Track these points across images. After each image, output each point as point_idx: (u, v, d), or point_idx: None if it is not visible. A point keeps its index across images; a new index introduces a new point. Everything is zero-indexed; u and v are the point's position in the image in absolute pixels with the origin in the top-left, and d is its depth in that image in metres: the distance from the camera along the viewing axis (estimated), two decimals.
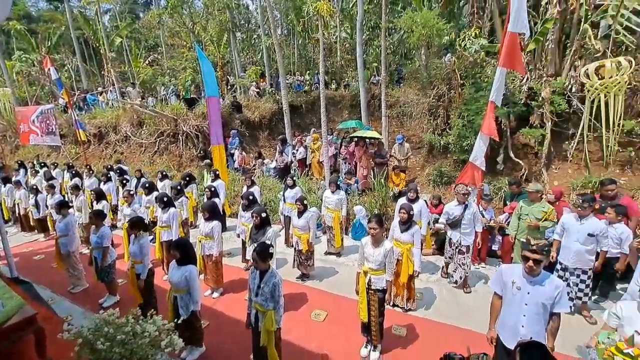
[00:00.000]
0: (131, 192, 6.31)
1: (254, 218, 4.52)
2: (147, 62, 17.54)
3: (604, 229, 3.99)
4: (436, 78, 9.12)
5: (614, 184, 4.63)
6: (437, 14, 9.18)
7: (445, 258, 5.39)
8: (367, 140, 9.02)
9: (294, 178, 6.66)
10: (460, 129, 7.78)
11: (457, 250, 5.07)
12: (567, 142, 7.23)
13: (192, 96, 14.46)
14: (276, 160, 10.75)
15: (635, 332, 2.47)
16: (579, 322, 4.23)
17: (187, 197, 6.97)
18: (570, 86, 7.19)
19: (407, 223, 4.50)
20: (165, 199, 5.55)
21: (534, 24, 8.03)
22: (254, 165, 11.19)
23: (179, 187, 6.76)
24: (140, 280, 4.21)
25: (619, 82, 2.76)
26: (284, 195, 6.87)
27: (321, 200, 6.91)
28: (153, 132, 12.52)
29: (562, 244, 4.32)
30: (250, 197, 5.57)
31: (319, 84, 14.38)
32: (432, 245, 6.39)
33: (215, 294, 5.13)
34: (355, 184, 8.56)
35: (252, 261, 3.18)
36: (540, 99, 7.23)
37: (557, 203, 5.33)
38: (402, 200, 5.43)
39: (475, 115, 7.39)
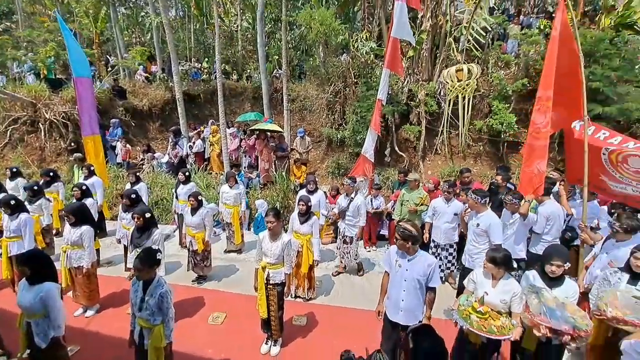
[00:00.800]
0: None
1: (136, 219, 3.95)
2: None
3: (462, 210, 4.79)
4: (333, 75, 9.56)
5: (469, 172, 5.63)
6: (334, 14, 9.60)
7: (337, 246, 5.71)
8: (268, 133, 8.91)
9: (186, 173, 6.08)
10: (354, 124, 8.36)
11: (342, 239, 5.40)
12: (437, 138, 8.49)
13: (57, 77, 11.92)
14: (169, 154, 9.73)
15: (484, 293, 3.01)
16: (447, 288, 5.01)
17: (49, 199, 5.72)
18: (439, 90, 8.43)
19: (306, 214, 4.60)
20: (12, 202, 4.41)
21: (413, 33, 9.12)
22: (141, 160, 9.89)
23: (35, 188, 5.50)
24: None
25: (470, 85, 3.41)
26: (176, 192, 6.26)
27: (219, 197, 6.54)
28: (2, 119, 9.87)
29: (434, 224, 5.03)
30: (133, 196, 4.87)
31: (218, 75, 13.57)
32: (331, 233, 6.72)
33: (89, 312, 4.35)
34: (257, 178, 8.38)
35: (134, 270, 2.74)
36: (417, 100, 8.30)
37: (435, 191, 6.19)
38: (302, 193, 5.54)
39: (366, 112, 8.03)
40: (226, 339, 3.93)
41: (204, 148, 10.08)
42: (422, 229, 5.35)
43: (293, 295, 4.78)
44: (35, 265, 2.86)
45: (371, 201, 6.18)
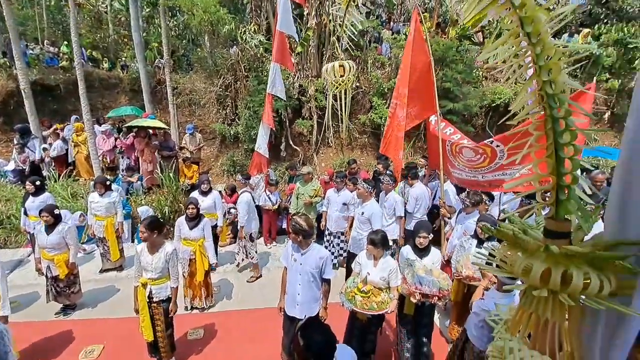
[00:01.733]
0: None
1: None
2: None
3: (352, 198, 5.19)
4: (222, 67, 9.07)
5: (355, 163, 6.12)
6: (219, 2, 9.06)
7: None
8: (150, 130, 7.91)
9: (37, 182, 4.90)
10: (247, 119, 8.12)
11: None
12: (328, 132, 8.95)
13: None
14: (15, 160, 7.75)
15: (367, 273, 3.31)
16: (341, 273, 5.31)
17: None
18: (326, 86, 8.88)
19: (197, 218, 4.27)
20: None
21: (301, 30, 9.32)
22: None
23: None
24: None
25: (350, 80, 3.72)
26: (24, 207, 5.01)
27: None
28: None
29: (328, 213, 5.30)
30: None
31: (83, 59, 11.37)
32: (229, 234, 6.44)
33: None
34: (139, 182, 7.39)
35: None
36: (308, 95, 8.56)
37: (330, 182, 6.50)
38: (194, 195, 5.11)
39: (259, 106, 7.87)
40: None
41: (66, 150, 8.37)
42: (320, 219, 5.62)
43: (189, 308, 4.41)
44: None
45: (269, 197, 6.13)
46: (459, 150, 4.65)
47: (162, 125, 8.04)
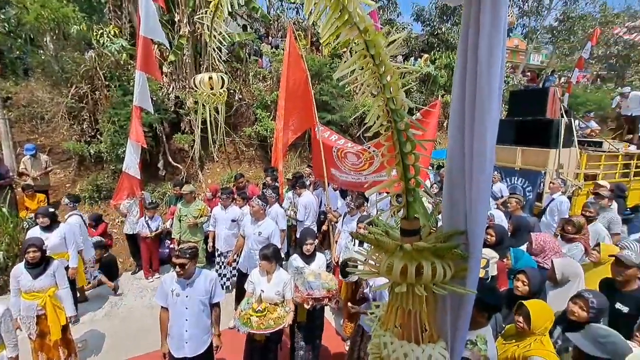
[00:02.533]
0: None
1: None
2: None
3: (240, 214, 5.00)
4: (74, 75, 7.60)
5: (242, 177, 5.98)
6: None
7: None
8: None
9: None
10: (112, 135, 6.98)
11: None
12: (212, 146, 8.48)
13: None
14: None
15: (261, 291, 3.21)
16: (231, 296, 4.94)
17: None
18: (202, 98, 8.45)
19: (41, 263, 3.39)
20: None
21: (173, 37, 8.61)
22: None
23: None
24: None
25: (221, 94, 3.59)
26: None
27: None
28: None
29: (216, 232, 4.97)
30: None
31: None
32: (95, 275, 5.36)
33: None
34: None
35: None
36: (186, 107, 7.96)
37: (214, 199, 6.11)
38: (34, 232, 4.05)
39: (126, 120, 6.88)
40: None
41: None
42: (207, 240, 5.23)
43: None
44: None
45: (147, 224, 5.38)
46: (344, 155, 5.03)
47: None
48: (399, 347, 1.25)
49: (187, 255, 2.71)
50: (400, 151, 1.35)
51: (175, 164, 7.81)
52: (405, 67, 1.26)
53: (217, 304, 3.04)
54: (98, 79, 7.58)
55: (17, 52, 11.24)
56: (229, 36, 8.30)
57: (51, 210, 4.33)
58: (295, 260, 3.52)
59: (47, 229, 4.10)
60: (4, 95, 7.73)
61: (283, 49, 10.11)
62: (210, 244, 5.05)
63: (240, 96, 8.73)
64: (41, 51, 9.85)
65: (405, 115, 1.37)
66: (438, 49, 14.07)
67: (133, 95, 5.56)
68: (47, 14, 7.37)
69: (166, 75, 8.01)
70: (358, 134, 9.61)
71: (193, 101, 7.98)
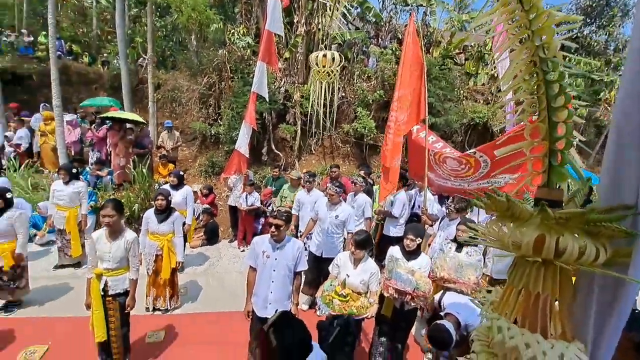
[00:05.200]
0: None
1: None
2: None
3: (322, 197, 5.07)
4: (207, 67, 8.91)
5: (337, 168, 6.05)
6: (208, 4, 9.03)
7: None
8: (125, 124, 7.57)
9: None
10: (230, 119, 7.94)
11: None
12: (311, 138, 8.89)
13: None
14: None
15: (346, 275, 3.16)
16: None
17: None
18: (312, 93, 8.88)
19: (166, 211, 4.01)
20: None
21: (289, 37, 9.36)
22: None
23: None
24: None
25: (334, 72, 3.70)
26: None
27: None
28: None
29: (300, 215, 5.13)
30: None
31: (62, 51, 11.00)
32: (201, 236, 6.14)
33: None
34: (109, 176, 6.99)
35: None
36: (293, 101, 8.52)
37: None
38: (165, 187, 4.84)
39: (243, 107, 7.73)
40: None
41: (30, 141, 7.88)
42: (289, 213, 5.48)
43: (150, 309, 4.07)
44: None
45: (246, 198, 5.92)
46: (442, 159, 4.64)
47: (139, 119, 7.72)
48: (518, 335, 1.02)
49: (283, 218, 2.83)
50: (547, 106, 1.12)
51: (276, 152, 8.43)
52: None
53: (300, 274, 3.11)
54: (225, 71, 8.72)
55: (169, 52, 13.84)
56: (340, 34, 8.59)
57: (181, 173, 5.12)
58: (395, 252, 3.35)
59: (175, 187, 4.85)
60: (156, 82, 9.51)
61: (391, 49, 10.03)
62: (292, 227, 5.23)
63: (343, 93, 8.92)
64: (185, 51, 11.92)
65: (560, 62, 1.14)
66: (575, 54, 11.99)
67: (251, 86, 6.24)
68: (196, 15, 8.83)
69: (280, 70, 8.70)
70: (462, 142, 8.85)
71: (300, 95, 8.50)
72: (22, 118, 8.03)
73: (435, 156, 4.67)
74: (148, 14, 9.32)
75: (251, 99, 6.10)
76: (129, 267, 2.97)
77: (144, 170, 6.92)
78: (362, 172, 6.16)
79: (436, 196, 5.61)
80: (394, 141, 4.63)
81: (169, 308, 4.12)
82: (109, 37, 15.20)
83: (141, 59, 13.05)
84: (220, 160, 8.23)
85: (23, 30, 12.89)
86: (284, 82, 8.87)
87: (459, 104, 9.36)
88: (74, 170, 4.85)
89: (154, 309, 4.09)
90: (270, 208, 6.23)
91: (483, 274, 3.81)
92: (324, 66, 3.49)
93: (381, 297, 3.14)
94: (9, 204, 3.68)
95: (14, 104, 8.56)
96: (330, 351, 2.80)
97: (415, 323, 4.02)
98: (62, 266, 4.84)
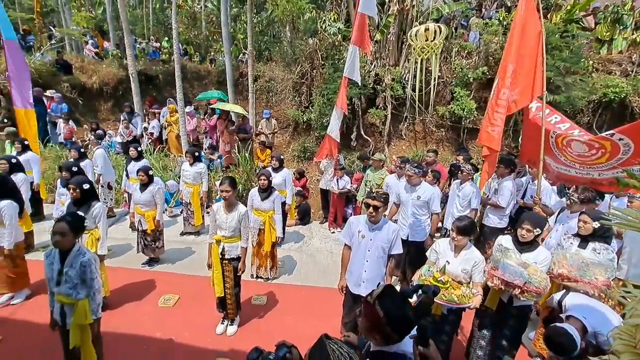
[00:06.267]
0: None
1: (72, 191, 3.48)
2: None
3: None
4: (300, 56, 9.29)
5: (435, 153, 5.69)
6: None
7: None
8: (230, 114, 8.49)
9: (138, 149, 5.60)
10: (321, 106, 8.18)
11: None
12: (402, 123, 8.55)
13: None
14: (121, 134, 8.97)
15: (446, 262, 2.99)
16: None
17: None
18: (405, 75, 8.48)
19: (267, 190, 4.38)
20: None
21: (380, 18, 9.07)
22: (88, 140, 9.02)
23: None
24: None
25: (437, 45, 3.39)
26: (126, 170, 5.74)
27: (179, 177, 6.11)
28: None
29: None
30: (74, 169, 4.33)
31: (175, 52, 12.77)
32: (296, 216, 6.54)
33: (17, 300, 3.82)
34: (219, 160, 7.96)
35: (53, 235, 2.35)
36: (384, 84, 8.28)
37: (399, 170, 6.18)
38: (267, 169, 5.29)
39: (333, 93, 7.87)
40: (178, 321, 3.63)
41: (160, 130, 9.43)
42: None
43: (254, 276, 4.56)
44: None
45: (337, 182, 6.06)
46: (566, 143, 3.94)
47: (242, 110, 8.55)
48: None
49: (381, 199, 2.81)
50: None
51: (366, 137, 8.39)
52: None
53: (394, 257, 3.06)
54: (317, 59, 8.96)
55: (264, 46, 14.85)
56: (437, 8, 7.92)
57: (282, 157, 5.53)
58: (506, 241, 3.05)
59: (275, 170, 5.26)
60: (255, 74, 10.33)
61: (498, 19, 8.86)
62: (387, 213, 5.15)
63: (439, 73, 8.29)
64: (278, 43, 12.64)
65: None
66: None
67: (342, 72, 6.30)
68: (290, 7, 9.24)
69: (370, 54, 8.53)
70: (589, 123, 7.40)
71: (391, 78, 8.22)
72: (154, 111, 9.65)
73: (557, 139, 3.99)
74: (248, 11, 10.11)
75: (342, 83, 6.16)
76: (241, 237, 3.35)
77: (246, 155, 7.67)
78: (460, 158, 5.68)
79: (555, 186, 4.84)
80: (502, 120, 4.11)
81: (269, 277, 4.54)
82: (214, 37, 17.12)
83: (241, 54, 14.37)
84: (312, 145, 8.57)
85: (151, 38, 15.45)
86: (375, 65, 8.68)
87: (585, 77, 7.80)
88: (197, 154, 5.67)
89: (257, 277, 4.56)
90: (358, 192, 6.26)
91: (616, 277, 3.17)
92: (426, 40, 3.25)
93: (486, 289, 2.89)
94: (150, 180, 4.51)
95: (149, 99, 10.35)
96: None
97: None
98: (187, 233, 5.76)
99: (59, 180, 4.74)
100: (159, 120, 9.43)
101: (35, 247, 4.99)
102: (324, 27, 9.14)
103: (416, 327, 1.70)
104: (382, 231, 2.96)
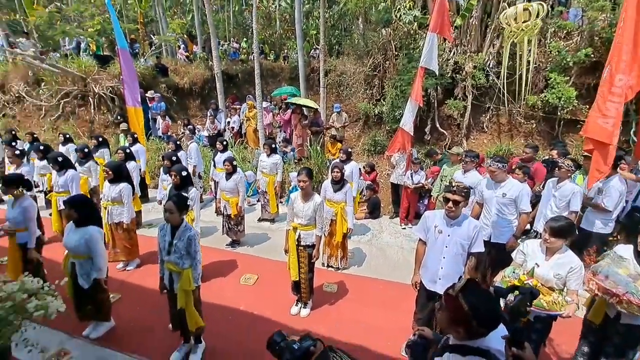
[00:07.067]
0: (17, 152, 5.19)
1: (173, 177, 4.01)
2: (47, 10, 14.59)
3: (478, 182, 4.40)
4: (373, 48, 9.16)
5: (534, 150, 5.13)
6: None
7: None
8: (303, 108, 8.79)
9: (224, 142, 6.20)
10: (393, 98, 7.97)
11: None
12: (484, 115, 7.88)
13: (104, 53, 12.55)
14: (207, 128, 9.96)
15: (535, 265, 2.71)
16: None
17: (97, 163, 6.04)
18: (489, 62, 7.76)
19: (340, 182, 4.46)
20: (60, 158, 4.67)
21: (461, 3, 8.43)
22: (181, 134, 10.22)
23: (86, 150, 5.80)
24: (30, 251, 3.46)
25: (533, 26, 2.99)
26: (214, 161, 6.39)
27: (256, 168, 6.58)
28: (55, 93, 10.57)
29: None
30: (173, 158, 4.97)
31: (255, 53, 13.65)
32: (364, 209, 6.53)
33: (130, 267, 4.56)
34: (292, 152, 8.34)
35: (165, 211, 2.75)
36: (464, 73, 7.71)
37: (481, 167, 5.75)
38: (336, 161, 5.39)
39: (407, 85, 7.60)
40: (257, 298, 3.95)
41: (240, 124, 10.22)
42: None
43: (325, 265, 4.71)
44: (82, 209, 2.99)
45: (411, 176, 5.88)
46: None
47: (314, 105, 8.80)
48: None
49: (462, 194, 2.66)
50: None
51: (442, 130, 7.95)
52: None
53: (475, 255, 2.87)
54: (390, 50, 8.73)
55: (335, 40, 14.97)
56: None
57: (350, 149, 5.59)
58: (624, 250, 2.64)
59: (343, 162, 5.32)
60: (326, 68, 10.49)
61: None
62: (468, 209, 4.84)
63: (529, 58, 7.42)
64: (349, 36, 12.61)
65: None
66: None
67: (417, 62, 6.03)
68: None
69: (451, 40, 8.00)
70: None
71: (472, 66, 7.62)
72: (235, 107, 10.48)
73: None
74: (321, 7, 10.29)
75: (418, 74, 5.90)
76: (316, 225, 3.49)
77: (318, 148, 7.88)
78: (554, 153, 5.04)
79: None
80: (618, 110, 3.52)
81: (339, 267, 4.65)
82: (287, 34, 17.84)
83: (312, 50, 14.72)
84: (382, 139, 8.43)
85: (231, 39, 16.72)
86: (454, 52, 8.12)
87: None
88: (273, 146, 6.04)
89: (328, 266, 4.70)
90: (434, 188, 5.98)
91: None
92: (524, 21, 2.90)
93: (592, 300, 2.55)
94: (234, 169, 4.95)
95: (232, 96, 11.28)
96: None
97: None
98: (264, 220, 6.20)
99: (161, 168, 5.48)
100: (239, 116, 10.22)
101: (143, 225, 5.87)
102: (398, 15, 8.83)
103: (512, 329, 1.60)
104: (461, 227, 2.81)
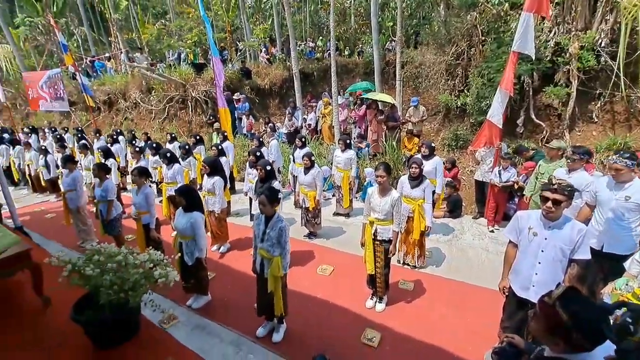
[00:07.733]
0: (138, 149, 6.25)
1: (259, 171, 4.39)
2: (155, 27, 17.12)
3: (586, 184, 3.75)
4: (455, 35, 8.54)
5: None
6: None
7: None
8: (378, 103, 8.67)
9: (303, 139, 6.50)
10: (479, 88, 7.34)
11: None
12: (593, 103, 6.74)
13: (199, 61, 14.16)
14: (286, 126, 10.54)
15: None
16: None
17: (195, 158, 6.90)
18: (600, 41, 6.59)
19: (418, 178, 4.32)
20: (168, 154, 5.48)
21: None
22: (263, 131, 11.02)
23: (187, 147, 6.67)
24: (151, 230, 4.21)
25: None
26: (293, 156, 6.75)
27: (331, 164, 6.76)
28: (162, 98, 12.37)
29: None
30: (258, 153, 5.42)
31: (331, 51, 13.94)
32: (444, 207, 6.20)
33: (223, 248, 5.14)
34: (367, 148, 8.32)
35: (259, 204, 3.05)
36: (568, 55, 6.69)
37: (589, 163, 4.98)
38: (416, 156, 5.20)
39: (496, 73, 6.92)
40: (333, 289, 4.09)
41: (316, 121, 10.55)
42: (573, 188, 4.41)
43: (401, 262, 4.63)
44: (189, 197, 3.50)
45: (499, 173, 5.38)
46: None
47: (390, 100, 8.60)
48: None
49: (565, 192, 2.36)
50: None
51: (537, 121, 7.05)
52: None
53: (577, 262, 2.50)
54: (476, 35, 8.04)
55: (412, 30, 14.32)
56: None
57: (433, 144, 5.36)
58: None
59: (426, 157, 5.13)
60: (403, 61, 10.13)
61: None
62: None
63: None
64: (428, 25, 11.91)
65: None
66: None
67: (508, 47, 5.43)
68: None
69: (549, 19, 7.03)
70: None
71: (578, 46, 6.57)
72: (311, 104, 10.86)
73: None
74: None
75: (510, 60, 5.31)
76: (393, 221, 3.46)
77: (393, 143, 7.72)
78: None
79: None
80: None
81: (416, 265, 4.52)
82: (362, 29, 17.68)
83: (387, 42, 14.33)
84: (465, 133, 7.85)
85: (308, 39, 17.26)
86: (554, 33, 7.10)
87: None
88: (348, 141, 6.13)
89: (404, 263, 4.61)
90: (527, 186, 5.37)
91: None
92: None
93: None
94: (312, 164, 5.17)
95: (309, 94, 11.73)
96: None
97: None
98: (338, 214, 6.35)
99: (247, 163, 6.01)
100: (315, 113, 10.56)
101: (231, 214, 6.53)
102: None
103: (617, 350, 1.41)
104: (562, 230, 2.49)
